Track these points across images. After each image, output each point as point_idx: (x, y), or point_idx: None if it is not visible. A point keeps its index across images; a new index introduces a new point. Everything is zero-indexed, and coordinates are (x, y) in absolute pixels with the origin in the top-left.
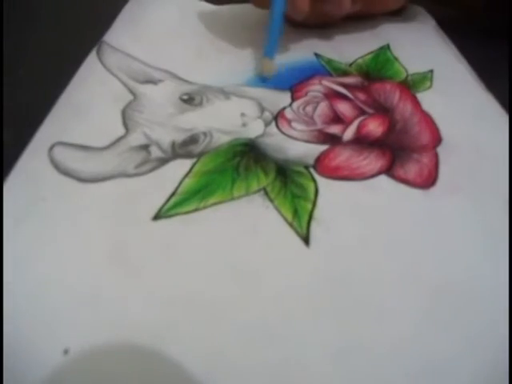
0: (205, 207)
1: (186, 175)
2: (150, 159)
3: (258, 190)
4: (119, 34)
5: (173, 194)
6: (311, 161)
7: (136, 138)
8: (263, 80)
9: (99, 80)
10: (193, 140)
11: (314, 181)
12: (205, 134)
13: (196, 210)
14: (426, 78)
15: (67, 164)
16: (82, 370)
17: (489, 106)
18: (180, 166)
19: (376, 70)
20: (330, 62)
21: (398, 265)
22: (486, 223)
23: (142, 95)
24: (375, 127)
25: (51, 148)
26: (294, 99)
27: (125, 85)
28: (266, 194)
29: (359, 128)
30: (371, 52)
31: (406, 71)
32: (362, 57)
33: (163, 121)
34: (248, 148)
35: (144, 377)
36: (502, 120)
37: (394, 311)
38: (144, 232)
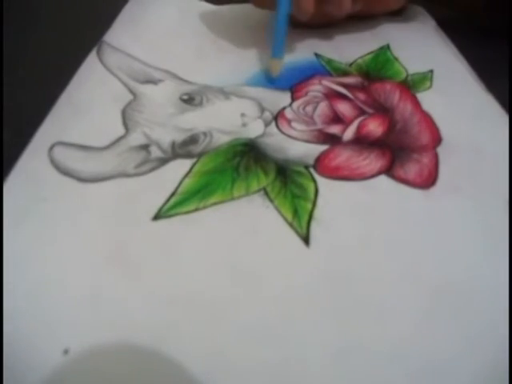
0: (205, 207)
1: (186, 175)
2: (150, 159)
3: (258, 190)
4: (119, 34)
5: (173, 194)
6: (311, 161)
7: (136, 138)
8: (271, 80)
9: (99, 80)
10: (193, 140)
11: (314, 181)
12: (205, 134)
13: (196, 209)
14: (425, 78)
15: (67, 164)
16: (82, 370)
17: (489, 106)
18: (180, 166)
19: (376, 70)
20: (330, 61)
21: (398, 265)
22: (486, 223)
23: (142, 95)
24: (375, 127)
25: (51, 148)
26: (294, 99)
27: (125, 85)
28: (266, 194)
29: (359, 128)
30: (371, 52)
31: (406, 71)
32: (362, 57)
33: (163, 121)
34: (248, 148)
35: (144, 377)
36: (502, 120)
37: (394, 311)
38: (144, 232)
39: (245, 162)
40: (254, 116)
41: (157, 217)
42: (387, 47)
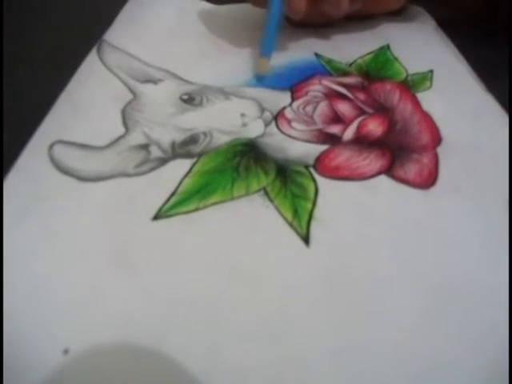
0: (205, 207)
1: (186, 175)
2: (150, 159)
3: (258, 190)
4: (119, 34)
5: (173, 194)
6: (311, 161)
7: (136, 138)
8: (260, 79)
9: (99, 79)
10: (193, 140)
11: (314, 181)
12: (205, 133)
13: (196, 209)
14: (425, 78)
15: (67, 163)
16: (82, 370)
17: (489, 106)
18: (180, 166)
19: (376, 70)
20: (330, 61)
21: (398, 265)
22: (486, 223)
23: (142, 94)
24: (375, 127)
25: (51, 146)
26: (294, 99)
27: (125, 84)
28: (266, 193)
29: (359, 128)
30: (371, 52)
31: (406, 71)
32: (361, 57)
33: (163, 120)
34: (248, 148)
35: (144, 377)
36: (502, 120)
37: (394, 311)
38: (144, 232)
39: (245, 161)
40: (254, 116)
41: (157, 217)
42: (387, 47)
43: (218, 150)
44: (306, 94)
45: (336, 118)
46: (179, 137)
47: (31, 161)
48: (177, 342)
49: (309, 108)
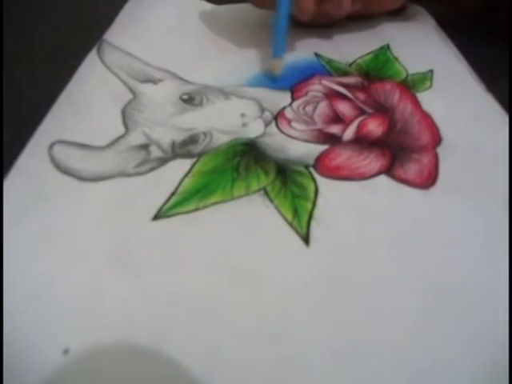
0: (205, 207)
1: (186, 175)
2: (150, 159)
3: (258, 190)
4: (119, 33)
5: (173, 194)
6: (311, 160)
7: (136, 138)
8: (272, 80)
9: (99, 79)
10: (193, 140)
11: (314, 180)
12: (205, 133)
13: (196, 209)
14: (425, 78)
15: (67, 163)
16: (82, 369)
17: (489, 106)
18: (180, 166)
19: (376, 70)
20: (330, 61)
21: (398, 265)
22: (486, 223)
23: (142, 94)
24: (375, 127)
25: (51, 146)
26: (294, 99)
27: (125, 84)
28: (266, 193)
29: (359, 128)
30: (371, 52)
31: (406, 71)
32: (361, 57)
33: (163, 120)
34: (248, 148)
35: (144, 377)
36: (502, 120)
37: (394, 311)
38: (144, 232)
39: (245, 161)
40: (254, 116)
41: (157, 217)
42: (387, 47)
43: (217, 149)
44: (306, 93)
45: (336, 118)
46: (179, 137)
47: (31, 161)
48: (177, 341)
49: (309, 108)
